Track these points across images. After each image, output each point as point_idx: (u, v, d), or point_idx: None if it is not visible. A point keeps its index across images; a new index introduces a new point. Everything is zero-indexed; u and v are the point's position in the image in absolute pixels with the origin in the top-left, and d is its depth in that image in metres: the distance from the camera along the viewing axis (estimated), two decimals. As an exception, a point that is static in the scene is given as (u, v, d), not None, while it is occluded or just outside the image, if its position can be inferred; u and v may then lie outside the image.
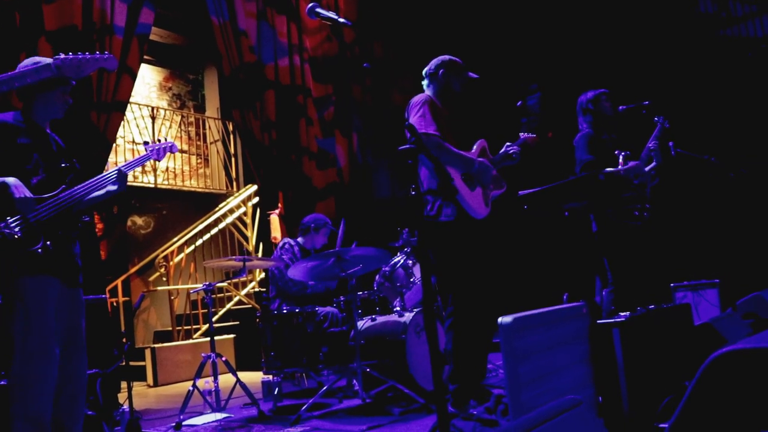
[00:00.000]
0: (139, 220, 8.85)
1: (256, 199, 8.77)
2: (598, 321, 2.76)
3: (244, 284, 8.41)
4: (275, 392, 4.58)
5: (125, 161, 4.01)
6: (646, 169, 4.30)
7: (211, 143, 10.29)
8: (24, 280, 2.66)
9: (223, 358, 4.43)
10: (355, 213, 7.41)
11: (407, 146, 2.19)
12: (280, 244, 5.31)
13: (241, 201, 8.91)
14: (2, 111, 2.91)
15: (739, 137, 5.80)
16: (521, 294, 4.85)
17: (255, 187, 8.68)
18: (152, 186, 9.13)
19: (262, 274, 8.23)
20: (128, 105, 6.50)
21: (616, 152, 4.24)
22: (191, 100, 10.67)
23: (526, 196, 3.35)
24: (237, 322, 7.82)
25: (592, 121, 4.36)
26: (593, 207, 4.13)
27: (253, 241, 8.80)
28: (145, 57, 7.97)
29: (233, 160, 10.10)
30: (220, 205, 8.90)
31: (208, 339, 4.56)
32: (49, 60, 2.72)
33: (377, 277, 4.94)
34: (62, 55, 2.70)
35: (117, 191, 3.00)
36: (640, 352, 2.76)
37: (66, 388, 2.79)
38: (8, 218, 2.62)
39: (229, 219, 8.86)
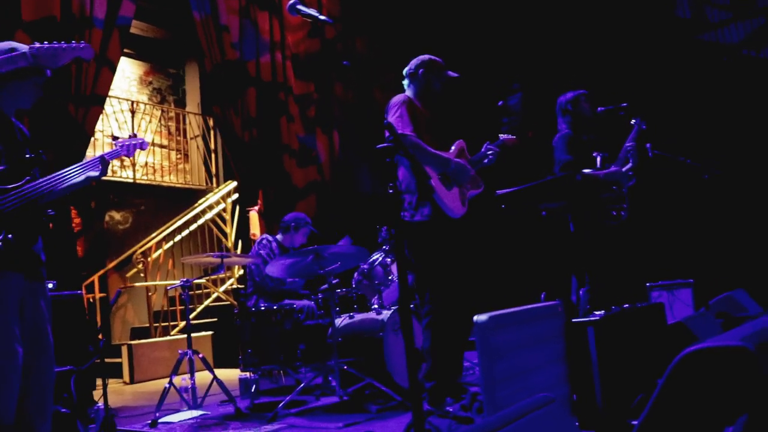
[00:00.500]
0: (117, 216, 8.77)
1: (235, 196, 8.72)
2: (573, 320, 2.79)
3: (223, 281, 8.37)
4: (252, 389, 4.56)
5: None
6: (624, 169, 4.35)
7: (191, 139, 10.22)
8: None
9: (200, 355, 4.40)
10: (335, 210, 7.41)
11: (385, 144, 2.20)
12: (258, 240, 5.29)
13: (220, 197, 8.86)
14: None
15: (714, 139, 5.89)
16: (499, 293, 4.89)
17: (235, 184, 8.63)
18: (131, 181, 9.05)
19: (241, 271, 8.20)
20: (108, 99, 6.43)
21: (594, 154, 4.29)
22: (172, 95, 10.58)
23: (504, 195, 3.38)
24: (215, 319, 7.78)
25: (571, 121, 4.40)
26: (571, 207, 4.17)
27: (232, 237, 8.75)
28: (126, 50, 7.90)
29: (213, 156, 10.03)
30: (200, 201, 8.85)
31: (186, 336, 4.54)
32: (25, 48, 2.66)
33: (356, 274, 4.95)
34: (38, 44, 2.65)
35: (97, 177, 2.93)
36: (615, 351, 2.79)
37: (32, 387, 2.66)
38: None
39: (209, 215, 8.82)
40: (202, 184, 9.95)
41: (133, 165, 9.25)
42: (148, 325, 7.65)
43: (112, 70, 5.68)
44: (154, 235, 8.30)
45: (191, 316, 4.79)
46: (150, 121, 9.65)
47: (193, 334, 4.55)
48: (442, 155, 3.62)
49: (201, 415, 4.29)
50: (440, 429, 2.94)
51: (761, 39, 6.42)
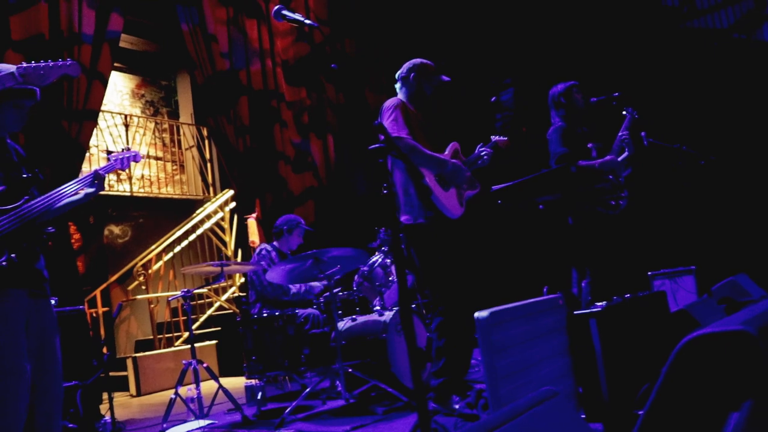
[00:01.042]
0: (116, 229, 8.76)
1: (233, 204, 8.72)
2: (575, 312, 2.78)
3: (225, 290, 8.37)
4: (258, 396, 4.55)
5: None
6: (619, 159, 4.34)
7: (186, 149, 10.21)
8: None
9: (205, 365, 4.39)
10: (333, 214, 7.40)
11: (377, 145, 2.20)
12: (257, 251, 5.28)
13: (218, 206, 8.85)
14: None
15: (708, 125, 5.89)
16: (501, 289, 4.88)
17: (232, 192, 8.63)
18: (128, 194, 9.04)
19: (243, 279, 8.20)
20: (101, 113, 6.43)
21: (589, 145, 4.28)
22: (164, 107, 10.58)
23: (500, 190, 3.37)
24: (219, 328, 7.77)
25: (565, 114, 4.39)
26: (568, 199, 4.16)
27: (231, 246, 8.75)
28: (116, 64, 7.89)
29: (209, 165, 10.03)
30: (198, 211, 8.84)
31: (190, 346, 4.53)
32: (12, 68, 2.68)
33: (356, 277, 4.94)
34: (24, 64, 2.66)
35: (94, 193, 2.95)
36: (618, 341, 2.79)
37: (41, 405, 2.68)
38: None
39: (207, 225, 8.81)
40: (199, 194, 9.94)
41: (130, 178, 9.25)
42: (152, 337, 7.65)
43: (104, 84, 5.68)
44: (153, 247, 8.29)
45: (194, 326, 4.79)
46: (144, 134, 9.64)
47: (197, 344, 4.55)
48: (438, 157, 3.61)
49: (208, 424, 4.28)
50: (446, 428, 2.94)
51: (752, 22, 6.42)
